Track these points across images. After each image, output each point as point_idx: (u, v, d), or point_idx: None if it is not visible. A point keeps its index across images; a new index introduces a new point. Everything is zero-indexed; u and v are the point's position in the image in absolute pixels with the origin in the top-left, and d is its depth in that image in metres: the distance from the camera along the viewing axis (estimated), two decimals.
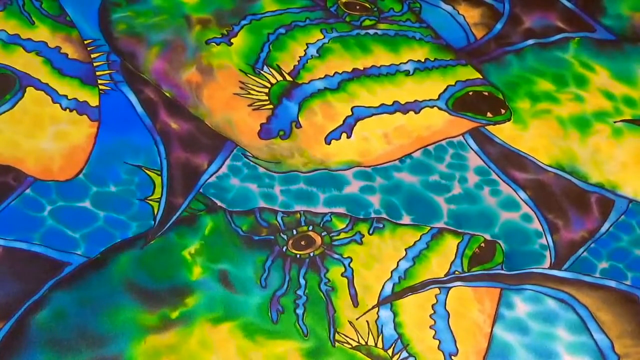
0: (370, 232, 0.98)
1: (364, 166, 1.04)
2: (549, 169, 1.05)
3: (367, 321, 0.90)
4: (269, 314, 0.90)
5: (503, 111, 1.10)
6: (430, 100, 1.11)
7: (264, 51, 1.14)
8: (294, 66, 1.13)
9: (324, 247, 0.96)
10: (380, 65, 1.14)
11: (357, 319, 0.91)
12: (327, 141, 1.06)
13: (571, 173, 1.04)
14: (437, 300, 0.92)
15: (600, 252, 0.98)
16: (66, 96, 1.06)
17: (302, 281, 0.93)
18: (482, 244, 0.97)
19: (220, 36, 1.15)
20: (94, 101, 1.07)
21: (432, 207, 1.01)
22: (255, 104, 1.08)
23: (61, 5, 1.17)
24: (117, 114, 1.06)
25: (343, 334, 0.89)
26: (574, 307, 0.93)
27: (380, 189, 1.02)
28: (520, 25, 1.21)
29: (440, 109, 1.10)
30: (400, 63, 1.14)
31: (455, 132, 1.08)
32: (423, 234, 0.98)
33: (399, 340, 0.89)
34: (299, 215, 0.99)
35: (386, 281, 0.94)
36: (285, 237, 0.97)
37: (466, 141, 1.07)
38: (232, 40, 1.15)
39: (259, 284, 0.92)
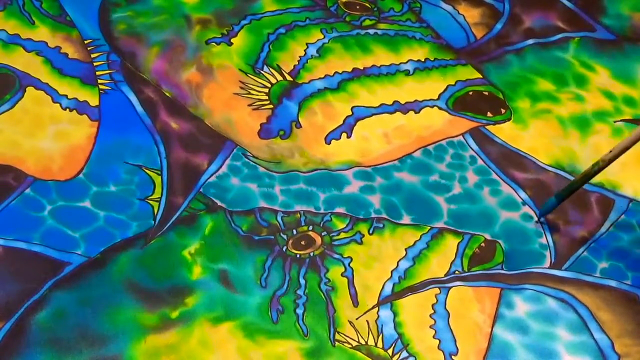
0: (370, 232, 0.98)
1: (364, 166, 1.04)
2: (549, 168, 1.05)
3: (367, 321, 0.90)
4: (269, 313, 0.90)
5: (503, 111, 1.10)
6: (430, 100, 1.11)
7: (264, 51, 1.14)
8: (294, 66, 1.13)
9: (324, 247, 0.96)
10: (381, 65, 1.14)
11: (357, 319, 0.91)
12: (327, 141, 1.06)
13: (571, 173, 1.04)
14: (437, 300, 0.92)
15: (601, 252, 0.98)
16: (66, 96, 1.07)
17: (302, 281, 0.93)
18: (482, 244, 0.97)
19: (220, 36, 1.15)
20: (94, 101, 1.07)
21: (432, 206, 1.01)
22: (255, 103, 1.08)
23: (61, 5, 1.17)
24: (117, 113, 1.06)
25: (343, 334, 0.89)
26: (574, 306, 0.93)
27: (380, 188, 1.02)
28: (520, 25, 1.21)
29: (440, 108, 1.10)
30: (401, 63, 1.14)
31: (455, 131, 1.08)
32: (423, 233, 0.98)
33: (399, 340, 0.89)
34: (299, 215, 0.99)
35: (386, 281, 0.94)
36: (285, 237, 0.97)
37: (466, 141, 1.07)
38: (232, 40, 1.15)
39: (259, 283, 0.92)
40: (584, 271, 0.96)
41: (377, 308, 0.91)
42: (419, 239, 0.97)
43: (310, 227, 0.98)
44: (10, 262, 0.92)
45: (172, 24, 1.16)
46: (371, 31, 1.18)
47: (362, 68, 1.13)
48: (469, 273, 0.95)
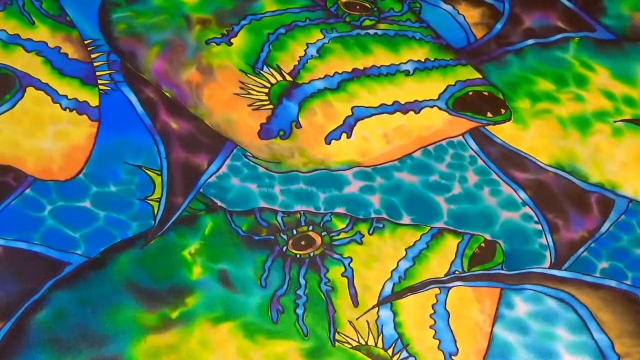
0: (370, 232, 0.98)
1: (364, 166, 1.04)
2: (549, 168, 1.05)
3: (367, 321, 0.90)
4: (269, 313, 0.90)
5: (503, 111, 1.10)
6: (430, 100, 1.11)
7: (264, 51, 1.14)
8: (294, 66, 1.13)
9: (324, 247, 0.96)
10: (380, 65, 1.14)
11: (357, 319, 0.91)
12: (327, 141, 1.06)
13: (571, 173, 1.04)
14: (437, 300, 0.92)
15: (601, 252, 0.98)
16: (66, 96, 1.07)
17: (302, 281, 0.93)
18: (482, 244, 0.97)
19: (220, 36, 1.15)
20: (94, 101, 1.07)
21: (432, 207, 1.01)
22: (255, 104, 1.08)
23: (61, 5, 1.17)
24: (117, 114, 1.06)
25: (343, 334, 0.89)
26: (574, 306, 0.93)
27: (380, 189, 1.02)
28: (520, 25, 1.21)
29: (440, 108, 1.10)
30: (400, 63, 1.14)
31: (455, 132, 1.08)
32: (423, 233, 0.98)
33: (399, 340, 0.89)
34: (299, 215, 0.99)
35: (386, 281, 0.94)
36: (285, 237, 0.97)
37: (466, 141, 1.07)
38: (232, 40, 1.15)
39: (259, 283, 0.92)
40: (584, 271, 0.96)
41: (377, 308, 0.91)
42: (419, 239, 0.97)
43: (310, 227, 0.98)
44: (10, 262, 0.92)
45: (172, 24, 1.16)
46: (371, 31, 1.18)
47: (362, 68, 1.13)
48: (469, 273, 0.95)
